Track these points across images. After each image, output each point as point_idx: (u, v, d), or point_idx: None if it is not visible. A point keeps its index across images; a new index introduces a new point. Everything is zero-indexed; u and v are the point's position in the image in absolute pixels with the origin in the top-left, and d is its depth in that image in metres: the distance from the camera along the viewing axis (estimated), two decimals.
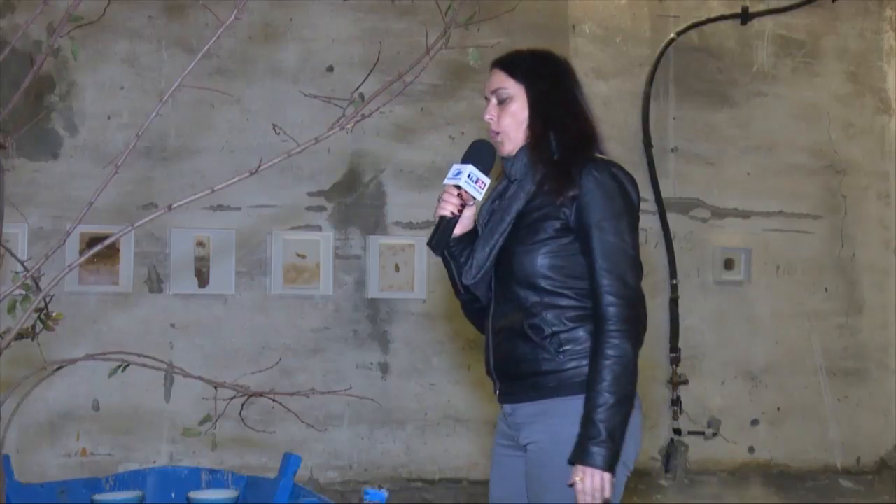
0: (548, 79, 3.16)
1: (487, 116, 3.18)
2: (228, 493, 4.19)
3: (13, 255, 2.23)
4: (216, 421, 2.10)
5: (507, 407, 3.11)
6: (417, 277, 7.25)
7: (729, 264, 7.99)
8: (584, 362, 2.99)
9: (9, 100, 1.98)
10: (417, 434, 7.30)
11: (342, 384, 6.86)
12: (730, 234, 8.03)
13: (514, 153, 3.12)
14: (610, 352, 2.94)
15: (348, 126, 2.17)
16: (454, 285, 3.20)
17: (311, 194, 7.15)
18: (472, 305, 3.18)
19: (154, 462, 6.68)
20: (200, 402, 6.61)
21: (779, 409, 8.05)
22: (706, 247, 7.99)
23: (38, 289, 2.04)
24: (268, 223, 7.05)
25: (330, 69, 7.22)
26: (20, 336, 2.00)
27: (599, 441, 2.85)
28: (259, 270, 7.04)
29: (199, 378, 2.13)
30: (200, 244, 6.94)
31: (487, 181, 3.09)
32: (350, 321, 7.19)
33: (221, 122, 7.04)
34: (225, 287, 6.96)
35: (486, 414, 7.39)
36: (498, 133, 3.16)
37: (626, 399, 2.96)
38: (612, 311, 2.94)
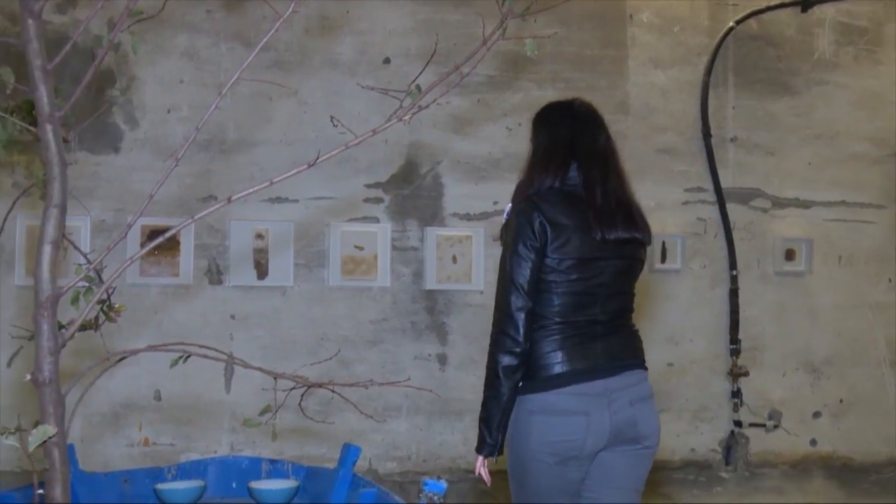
0: (544, 129, 3.78)
1: None
2: (289, 483, 4.22)
3: (76, 247, 2.25)
4: (276, 411, 2.12)
5: None
6: (475, 269, 7.26)
7: (790, 255, 7.90)
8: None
9: (70, 94, 2.00)
10: (475, 425, 7.28)
11: (400, 375, 6.89)
12: (791, 224, 7.94)
13: None
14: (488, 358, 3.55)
15: (405, 118, 2.17)
16: None
17: (368, 186, 7.17)
18: None
19: (215, 452, 6.74)
20: (260, 393, 6.67)
21: (841, 401, 7.96)
22: (767, 237, 7.91)
23: (101, 281, 2.06)
24: (326, 215, 7.08)
25: (387, 61, 7.24)
26: (83, 327, 2.02)
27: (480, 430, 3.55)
28: (317, 262, 7.08)
29: (259, 369, 2.15)
30: (259, 236, 6.98)
31: None
32: (408, 312, 7.21)
33: (279, 114, 7.08)
34: (284, 279, 7.01)
35: None
36: None
37: (490, 396, 3.57)
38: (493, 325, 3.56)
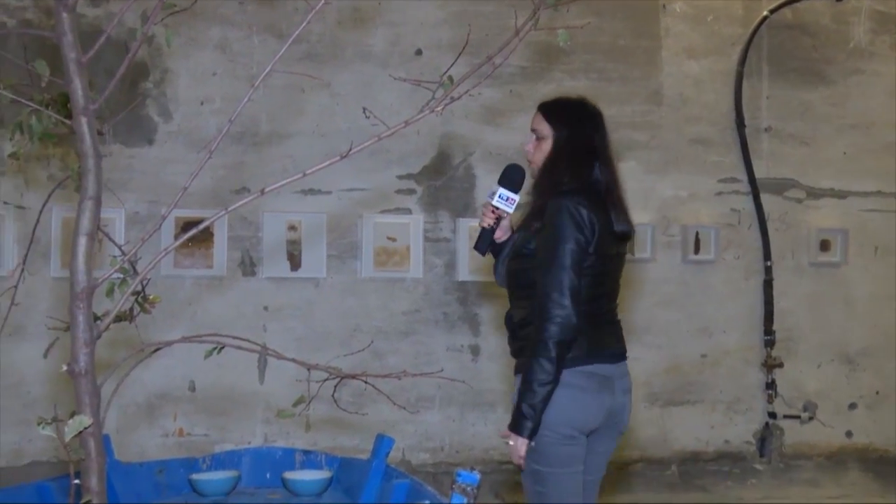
0: (568, 128, 3.83)
1: (527, 147, 3.89)
2: (322, 474, 4.23)
3: (111, 239, 2.27)
4: (310, 402, 2.12)
5: (516, 381, 3.81)
6: None
7: (825, 245, 7.85)
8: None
9: (105, 87, 2.01)
10: (508, 416, 7.29)
11: (433, 367, 6.89)
12: (826, 214, 7.88)
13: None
14: (536, 347, 3.56)
15: (438, 109, 2.17)
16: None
17: (400, 177, 7.18)
18: None
19: (249, 443, 6.78)
20: (294, 384, 6.67)
21: (877, 392, 7.90)
22: (801, 228, 7.86)
23: (136, 272, 2.08)
24: (358, 207, 7.10)
25: (419, 52, 7.23)
26: (118, 319, 2.04)
27: (517, 415, 3.61)
28: (350, 254, 7.09)
29: (293, 360, 2.15)
30: (292, 228, 7.01)
31: (517, 198, 3.78)
32: (440, 304, 7.21)
33: (312, 106, 7.10)
34: (317, 270, 7.03)
35: None
36: (531, 163, 3.87)
37: (536, 385, 3.56)
38: (542, 315, 3.56)
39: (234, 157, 6.88)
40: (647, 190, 7.59)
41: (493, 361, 7.25)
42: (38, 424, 1.76)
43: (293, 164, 6.94)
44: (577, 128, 3.87)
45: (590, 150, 3.83)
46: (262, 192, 2.09)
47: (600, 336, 3.76)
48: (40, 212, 2.65)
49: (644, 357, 7.53)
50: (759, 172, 7.74)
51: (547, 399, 3.54)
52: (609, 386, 3.75)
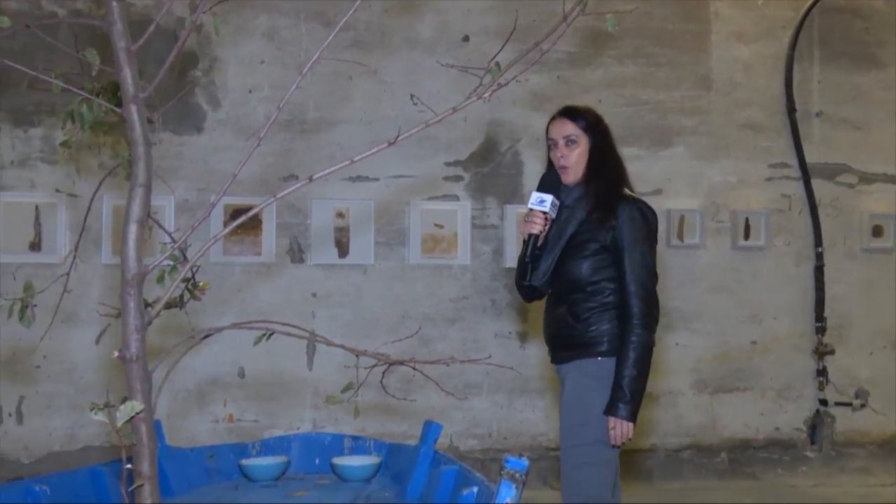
0: (601, 132, 4.09)
1: (559, 154, 4.03)
2: (371, 460, 4.24)
3: (161, 226, 2.28)
4: (358, 389, 2.13)
5: (555, 367, 4.17)
6: None
7: (877, 231, 7.75)
8: (605, 338, 3.89)
9: (154, 76, 2.03)
10: (556, 403, 7.28)
11: (481, 353, 6.89)
12: (878, 199, 7.79)
13: (571, 185, 4.03)
14: (633, 338, 3.79)
15: (485, 95, 2.16)
16: (521, 274, 4.15)
17: (448, 164, 7.18)
18: (526, 289, 4.21)
19: (298, 428, 6.82)
20: (342, 370, 6.73)
21: None
22: (853, 213, 7.77)
23: (186, 259, 2.09)
24: (406, 193, 7.10)
25: (466, 39, 7.22)
26: (169, 305, 2.05)
27: (626, 401, 3.77)
28: (397, 240, 7.11)
29: (342, 346, 2.16)
30: (340, 215, 7.03)
31: (558, 202, 4.00)
32: (488, 290, 7.21)
33: (359, 93, 7.11)
34: (364, 257, 7.05)
35: None
36: (566, 167, 4.01)
37: (645, 371, 3.83)
38: (635, 309, 3.82)
39: (283, 145, 6.91)
40: (695, 176, 7.54)
41: (542, 348, 7.21)
42: (91, 410, 1.78)
43: (341, 151, 6.96)
44: (601, 128, 4.12)
45: (616, 149, 4.14)
46: (311, 179, 2.09)
47: None
48: (91, 200, 2.68)
49: (693, 344, 7.49)
50: (810, 157, 7.66)
51: (644, 383, 3.85)
52: None
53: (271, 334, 2.12)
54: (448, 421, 6.62)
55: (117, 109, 2.02)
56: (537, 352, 7.23)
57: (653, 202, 7.46)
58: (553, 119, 4.10)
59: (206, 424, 6.90)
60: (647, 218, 3.92)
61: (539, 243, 4.03)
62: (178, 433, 6.44)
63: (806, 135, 7.67)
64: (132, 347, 1.87)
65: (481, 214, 7.21)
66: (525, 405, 7.23)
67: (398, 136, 2.10)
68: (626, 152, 7.38)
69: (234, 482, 4.14)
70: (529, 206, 4.01)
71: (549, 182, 4.04)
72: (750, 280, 7.62)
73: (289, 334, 2.11)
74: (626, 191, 4.01)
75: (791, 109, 7.63)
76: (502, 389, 7.18)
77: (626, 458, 7.23)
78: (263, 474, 4.14)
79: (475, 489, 3.03)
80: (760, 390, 7.61)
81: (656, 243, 3.96)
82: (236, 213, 6.53)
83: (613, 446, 3.84)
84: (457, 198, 7.18)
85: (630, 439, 3.82)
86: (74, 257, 2.67)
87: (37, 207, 6.76)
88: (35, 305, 2.07)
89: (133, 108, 1.93)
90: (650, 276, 3.86)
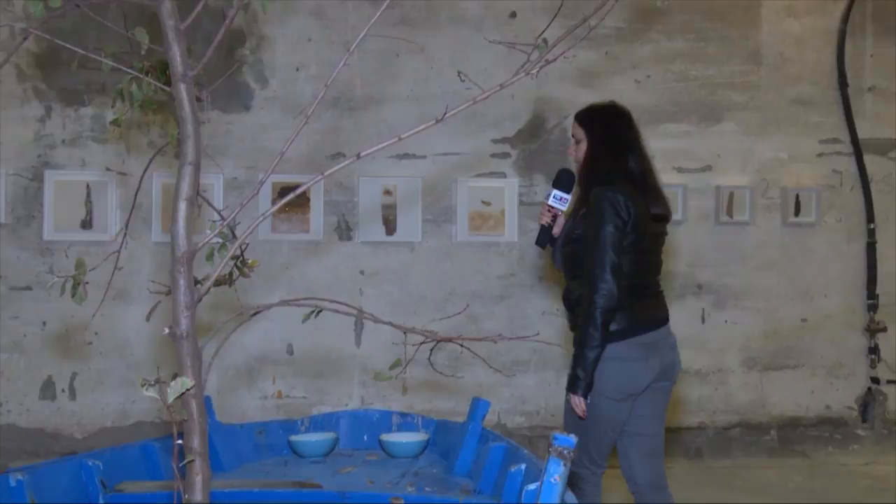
0: (602, 132, 4.31)
1: (570, 152, 4.43)
2: (419, 436, 4.25)
3: (210, 204, 2.29)
4: (406, 366, 2.13)
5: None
6: None
7: None
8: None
9: (203, 54, 2.03)
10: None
11: (528, 330, 6.89)
12: None
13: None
14: (584, 318, 4.05)
15: (533, 72, 2.15)
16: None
17: (495, 141, 7.16)
18: None
19: (346, 405, 6.86)
20: (390, 347, 6.76)
21: None
22: None
23: (234, 237, 2.10)
24: (453, 171, 7.10)
25: (513, 15, 7.19)
26: (218, 283, 2.06)
27: (572, 378, 4.08)
28: (445, 218, 7.11)
29: (389, 323, 2.16)
30: (387, 192, 7.04)
31: (569, 197, 4.33)
32: (535, 268, 7.20)
33: (406, 71, 7.10)
34: (412, 234, 7.06)
35: None
36: (577, 164, 4.33)
37: (587, 351, 4.03)
38: (590, 293, 4.03)
39: (330, 123, 6.93)
40: (745, 152, 7.47)
41: None
42: (142, 386, 1.79)
43: (388, 128, 6.97)
44: (607, 128, 4.34)
45: (622, 145, 4.29)
46: (358, 156, 2.09)
47: (644, 307, 4.19)
48: (141, 178, 2.70)
49: (742, 321, 7.44)
50: (862, 133, 7.56)
51: (596, 361, 4.02)
52: (655, 350, 4.17)
53: (320, 311, 2.13)
54: (496, 398, 6.63)
55: (166, 88, 2.03)
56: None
57: (702, 179, 7.45)
58: None
59: (254, 401, 6.95)
60: (611, 202, 4.07)
61: (555, 234, 4.38)
62: (227, 409, 6.50)
63: (858, 110, 7.57)
64: (182, 324, 1.88)
65: (528, 191, 7.19)
66: None
67: (445, 114, 2.10)
68: (675, 129, 7.37)
69: (283, 458, 4.17)
70: (544, 200, 4.41)
71: (563, 178, 4.38)
72: (800, 257, 7.55)
73: (337, 311, 2.12)
74: (618, 183, 4.16)
75: (843, 84, 7.53)
76: (550, 366, 7.17)
77: (674, 436, 7.24)
78: (312, 450, 4.17)
79: (523, 466, 3.04)
80: (811, 368, 7.55)
81: (620, 228, 4.06)
82: (284, 190, 6.56)
83: (580, 419, 4.10)
84: (504, 175, 7.17)
85: (585, 411, 4.07)
86: (125, 235, 2.69)
87: (88, 186, 6.83)
88: (87, 283, 2.09)
89: (182, 87, 1.94)
90: (604, 259, 4.03)
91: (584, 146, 4.31)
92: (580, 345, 4.04)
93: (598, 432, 4.14)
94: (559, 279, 7.20)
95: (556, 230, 4.40)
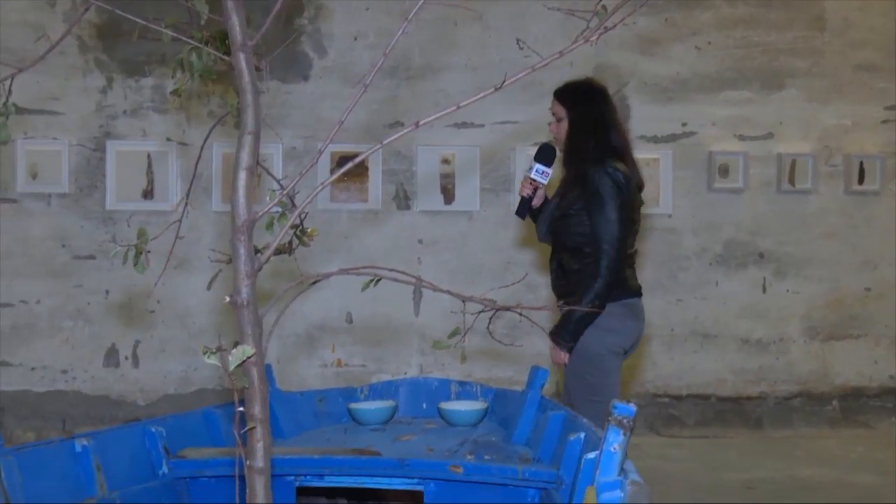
0: (583, 108, 4.50)
1: (551, 129, 4.59)
2: (478, 405, 4.26)
3: (270, 173, 2.30)
4: (465, 334, 2.13)
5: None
6: (663, 192, 7.16)
7: None
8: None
9: (261, 24, 2.04)
10: (664, 349, 7.25)
11: None
12: None
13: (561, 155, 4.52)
14: (594, 284, 4.26)
15: (592, 39, 2.13)
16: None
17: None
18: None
19: (405, 373, 6.89)
20: (448, 316, 6.76)
21: None
22: None
23: (294, 206, 2.11)
24: (511, 139, 7.08)
25: None
26: (278, 251, 2.07)
27: (569, 331, 4.32)
28: (503, 186, 7.09)
29: (448, 292, 2.16)
30: (445, 161, 7.04)
31: (550, 171, 4.53)
32: None
33: (464, 39, 7.08)
34: (470, 203, 7.06)
35: (735, 330, 7.27)
36: (558, 140, 4.53)
37: (591, 314, 4.26)
38: (603, 261, 4.27)
39: (388, 92, 6.93)
40: (807, 119, 7.37)
41: (649, 294, 7.14)
42: (204, 354, 1.81)
43: (445, 97, 6.95)
44: (587, 105, 4.51)
45: (602, 120, 4.47)
46: (417, 125, 2.09)
47: (631, 275, 4.49)
48: (202, 148, 2.71)
49: (804, 290, 7.36)
50: None
51: (585, 328, 4.29)
52: (641, 315, 4.50)
53: (378, 280, 2.13)
54: (554, 366, 6.62)
55: (226, 58, 2.04)
56: (644, 298, 7.17)
57: (763, 146, 7.36)
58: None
59: (314, 369, 7.01)
60: (616, 181, 4.32)
61: (534, 205, 4.58)
62: (287, 377, 6.57)
63: None
64: (243, 293, 1.89)
65: None
66: None
67: (504, 82, 2.08)
68: (736, 96, 7.29)
69: (343, 426, 4.20)
70: (525, 173, 4.59)
71: (545, 152, 4.56)
72: (864, 225, 7.44)
73: (396, 280, 2.13)
74: (605, 159, 4.38)
75: None
76: None
77: (735, 406, 7.20)
78: (372, 418, 4.19)
79: (582, 435, 3.04)
80: (874, 338, 7.45)
81: (625, 203, 4.32)
82: (343, 160, 6.58)
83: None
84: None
85: (564, 363, 4.34)
86: (186, 204, 2.71)
87: (149, 156, 6.89)
88: (149, 252, 2.11)
89: (241, 57, 1.94)
90: (614, 232, 4.28)
91: (565, 124, 4.51)
92: (580, 313, 4.26)
93: (611, 389, 4.30)
94: None
95: (536, 202, 4.59)
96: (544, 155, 4.57)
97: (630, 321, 4.45)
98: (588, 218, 4.36)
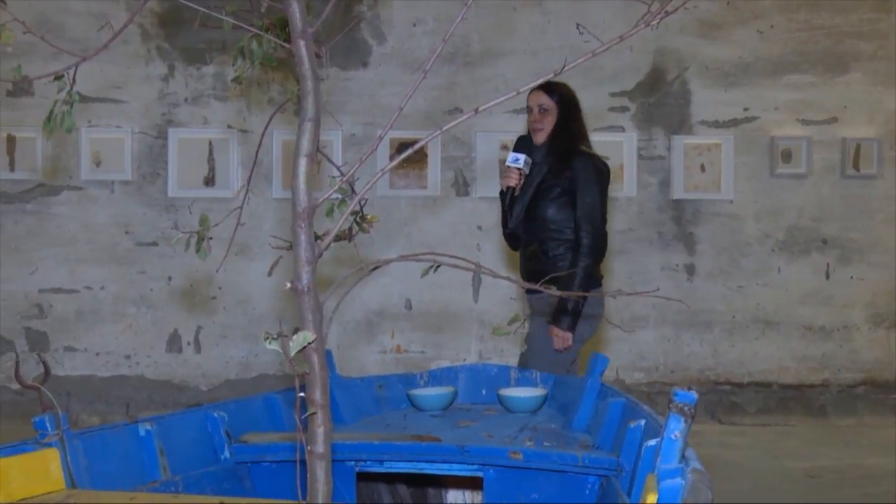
0: (569, 104, 4.87)
1: (533, 119, 4.86)
2: (537, 391, 4.25)
3: (330, 160, 2.31)
4: (524, 321, 2.13)
5: (528, 297, 4.92)
6: (724, 177, 7.10)
7: None
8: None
9: (321, 11, 2.04)
10: (725, 336, 7.19)
11: (648, 286, 6.83)
12: None
13: (540, 144, 4.81)
14: (581, 264, 4.61)
15: (653, 23, 2.11)
16: (504, 222, 4.94)
17: (613, 95, 7.08)
18: (508, 237, 4.99)
19: (464, 360, 6.90)
20: (507, 303, 6.77)
21: None
22: None
23: (354, 192, 2.11)
24: None
25: None
26: (338, 238, 2.07)
27: (568, 315, 4.58)
28: None
29: (507, 278, 2.16)
30: (505, 147, 7.01)
31: (531, 161, 4.78)
32: (655, 223, 7.12)
33: (523, 24, 7.05)
34: None
35: (797, 317, 7.19)
36: (539, 130, 4.82)
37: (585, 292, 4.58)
38: (584, 241, 4.65)
39: (447, 78, 6.93)
40: (873, 103, 7.25)
41: (709, 281, 7.13)
42: (265, 339, 1.82)
43: (505, 83, 6.94)
44: (570, 98, 4.89)
45: (580, 114, 4.89)
46: (476, 111, 2.08)
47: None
48: (262, 135, 2.73)
49: (868, 276, 7.26)
50: None
51: (582, 305, 4.59)
52: (603, 302, 4.87)
53: (438, 266, 2.13)
54: (614, 353, 6.60)
55: (286, 45, 2.05)
56: (704, 284, 7.13)
57: (827, 131, 7.26)
58: (532, 92, 4.83)
59: (374, 355, 7.04)
60: (599, 168, 4.75)
61: (515, 194, 4.80)
62: (347, 363, 6.60)
63: None
64: (303, 279, 1.90)
65: (647, 145, 7.10)
66: (692, 338, 7.15)
67: (563, 67, 2.07)
68: (799, 79, 7.20)
69: (402, 411, 4.21)
70: (507, 163, 4.84)
71: (526, 144, 4.83)
72: None
73: (455, 266, 2.12)
74: (584, 148, 4.78)
75: None
76: (669, 322, 7.10)
77: (797, 393, 7.13)
78: (432, 404, 4.20)
79: (643, 422, 3.02)
80: None
81: (607, 190, 4.75)
82: (402, 146, 6.59)
83: (557, 351, 4.62)
84: (622, 129, 7.09)
85: (569, 347, 4.60)
86: (247, 191, 2.73)
87: (210, 143, 6.96)
88: (210, 238, 2.13)
89: (301, 44, 1.94)
90: (598, 215, 4.68)
91: (551, 115, 4.81)
92: (581, 286, 4.57)
93: (566, 368, 4.64)
94: (679, 234, 7.14)
95: (518, 191, 4.84)
96: (524, 145, 4.87)
97: (599, 308, 4.78)
98: (570, 202, 4.70)
